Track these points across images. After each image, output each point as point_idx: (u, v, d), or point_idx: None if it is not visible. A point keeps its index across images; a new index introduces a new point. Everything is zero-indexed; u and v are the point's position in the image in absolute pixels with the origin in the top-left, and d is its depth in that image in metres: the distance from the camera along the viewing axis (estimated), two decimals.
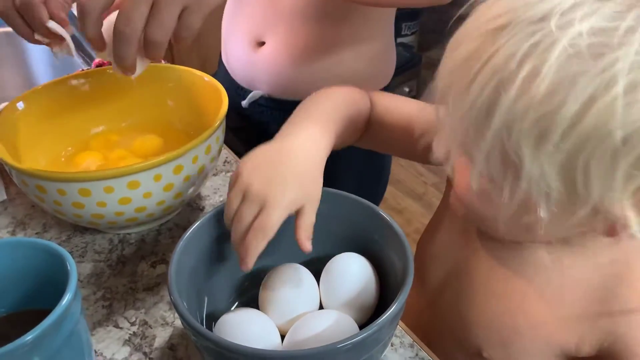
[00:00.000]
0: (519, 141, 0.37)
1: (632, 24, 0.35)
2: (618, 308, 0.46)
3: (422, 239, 0.67)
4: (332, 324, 0.47)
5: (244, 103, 0.88)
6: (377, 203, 1.00)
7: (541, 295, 0.51)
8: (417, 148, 0.52)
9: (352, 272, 0.51)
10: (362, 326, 0.48)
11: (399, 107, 0.64)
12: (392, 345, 0.52)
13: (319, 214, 0.47)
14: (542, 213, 0.39)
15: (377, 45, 0.84)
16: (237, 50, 0.88)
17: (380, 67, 0.87)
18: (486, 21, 0.39)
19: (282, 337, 0.48)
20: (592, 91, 0.35)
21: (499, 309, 0.53)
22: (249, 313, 0.49)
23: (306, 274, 0.52)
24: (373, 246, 0.52)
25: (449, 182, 0.60)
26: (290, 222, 0.47)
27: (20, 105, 0.66)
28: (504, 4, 0.39)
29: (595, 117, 0.35)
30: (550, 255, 0.49)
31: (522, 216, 0.42)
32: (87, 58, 1.00)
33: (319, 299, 0.52)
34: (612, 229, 0.42)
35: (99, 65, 0.83)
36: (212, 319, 0.51)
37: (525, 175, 0.38)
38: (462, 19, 0.42)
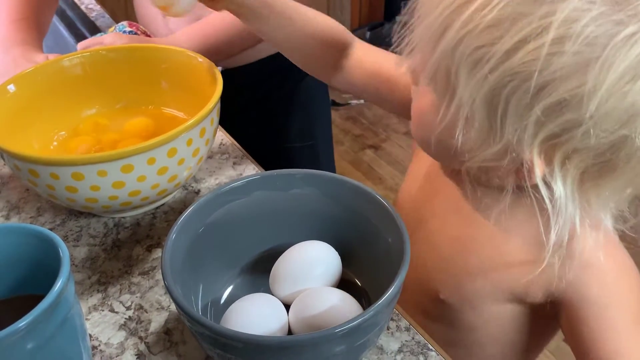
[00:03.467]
0: (459, 64, 0.40)
1: None
2: (563, 258, 0.46)
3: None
4: (337, 302, 0.47)
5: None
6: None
7: (489, 239, 0.54)
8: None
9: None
10: None
11: (380, 55, 0.66)
12: (388, 329, 0.51)
13: (315, 198, 0.46)
14: (460, 138, 0.43)
15: None
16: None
17: None
18: None
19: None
20: (527, 34, 0.37)
21: (452, 251, 0.57)
22: (254, 298, 0.50)
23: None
24: (369, 230, 0.52)
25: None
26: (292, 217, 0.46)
27: (11, 88, 0.65)
28: None
29: (521, 59, 0.37)
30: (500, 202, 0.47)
31: (447, 140, 0.44)
32: (80, 38, 0.98)
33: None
34: (520, 173, 0.43)
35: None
36: (208, 303, 0.51)
37: (457, 97, 0.41)
38: None
